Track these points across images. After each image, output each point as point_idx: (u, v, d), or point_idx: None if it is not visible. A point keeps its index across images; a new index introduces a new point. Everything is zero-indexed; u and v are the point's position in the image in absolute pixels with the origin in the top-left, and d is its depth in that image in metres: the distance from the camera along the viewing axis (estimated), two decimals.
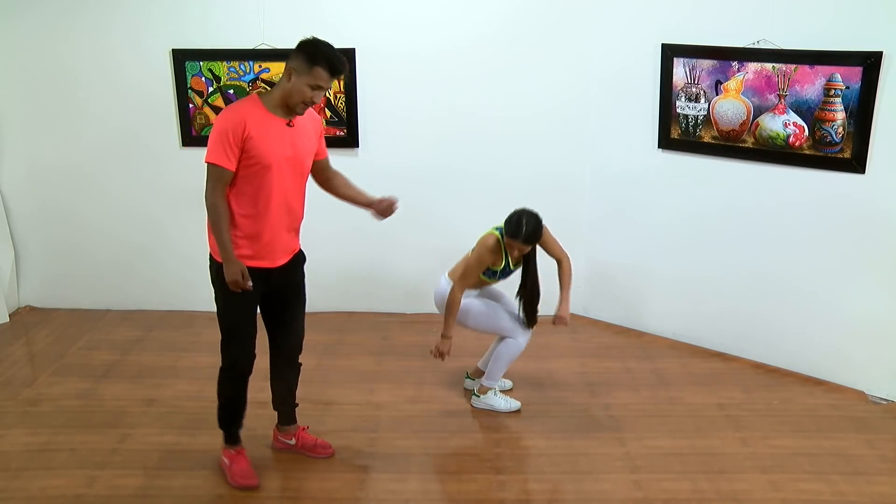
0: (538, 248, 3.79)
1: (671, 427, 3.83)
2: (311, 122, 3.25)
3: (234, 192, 3.09)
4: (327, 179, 3.42)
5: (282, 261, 3.26)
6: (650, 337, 4.84)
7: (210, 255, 3.22)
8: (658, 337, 4.82)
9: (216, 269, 3.16)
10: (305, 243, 3.45)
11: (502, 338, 3.92)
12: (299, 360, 3.53)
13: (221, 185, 3.03)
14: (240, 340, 3.28)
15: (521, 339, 3.89)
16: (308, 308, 3.50)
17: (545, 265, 3.84)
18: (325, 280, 5.05)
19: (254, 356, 3.32)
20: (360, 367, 4.46)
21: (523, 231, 3.57)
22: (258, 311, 3.35)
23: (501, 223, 3.70)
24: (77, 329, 4.94)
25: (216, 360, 3.36)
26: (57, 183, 5.02)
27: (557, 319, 3.80)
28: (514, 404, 3.97)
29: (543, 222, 3.67)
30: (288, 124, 3.11)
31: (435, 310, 4.00)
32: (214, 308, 3.28)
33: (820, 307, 4.19)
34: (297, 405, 3.61)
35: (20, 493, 3.32)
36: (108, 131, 4.91)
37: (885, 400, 4.06)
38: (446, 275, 3.89)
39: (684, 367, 4.46)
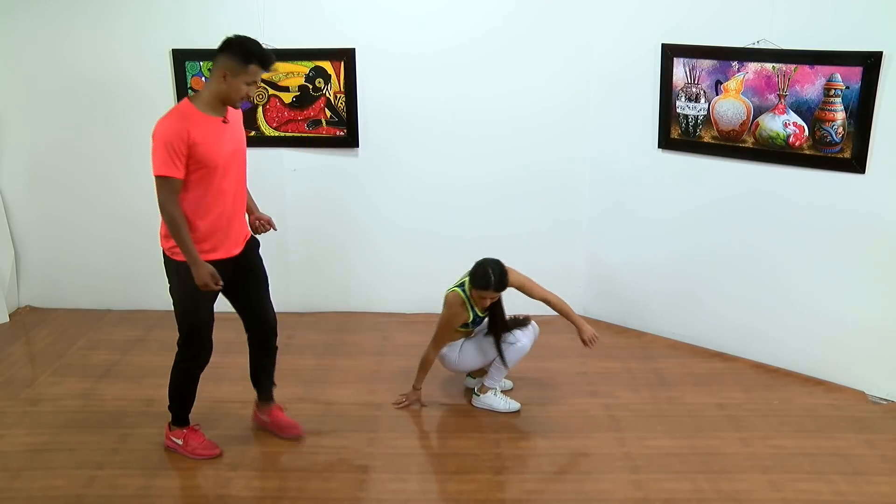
0: (523, 295, 3.86)
1: (671, 427, 3.83)
2: (235, 112, 3.31)
3: (186, 197, 3.16)
4: None
5: (238, 249, 3.36)
6: (650, 337, 4.84)
7: (164, 253, 3.31)
8: (658, 337, 4.82)
9: (175, 268, 3.26)
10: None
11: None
12: (275, 345, 3.63)
13: (175, 195, 3.12)
14: (203, 335, 3.41)
15: (524, 341, 3.89)
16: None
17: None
18: (325, 280, 5.06)
19: (212, 348, 3.46)
20: (360, 367, 4.46)
21: (492, 280, 3.67)
22: (227, 300, 3.46)
23: (460, 280, 3.81)
24: (77, 329, 4.94)
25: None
26: (57, 183, 5.02)
27: (589, 342, 3.87)
28: (513, 405, 3.97)
29: (508, 266, 3.75)
30: (224, 121, 3.19)
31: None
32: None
33: (820, 307, 4.18)
34: (276, 385, 3.72)
35: (20, 493, 3.32)
36: (109, 131, 4.90)
37: (885, 400, 4.06)
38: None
39: (684, 367, 4.46)
